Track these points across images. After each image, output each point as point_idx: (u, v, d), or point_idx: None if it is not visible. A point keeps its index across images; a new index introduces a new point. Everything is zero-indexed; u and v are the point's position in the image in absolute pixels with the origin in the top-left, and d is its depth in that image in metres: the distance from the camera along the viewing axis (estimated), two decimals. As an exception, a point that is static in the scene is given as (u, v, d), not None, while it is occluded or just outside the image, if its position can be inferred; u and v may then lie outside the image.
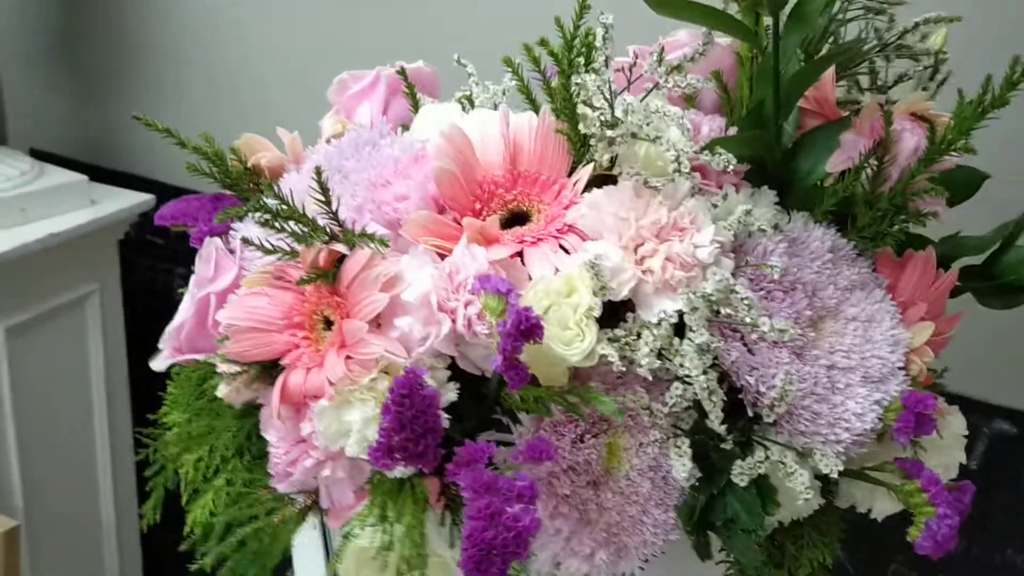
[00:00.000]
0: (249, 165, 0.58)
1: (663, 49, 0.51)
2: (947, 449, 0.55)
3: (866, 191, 0.52)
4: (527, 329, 0.42)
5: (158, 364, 0.54)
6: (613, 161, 0.50)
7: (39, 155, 1.31)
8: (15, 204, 1.13)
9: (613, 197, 0.48)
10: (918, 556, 0.94)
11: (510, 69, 0.53)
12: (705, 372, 0.43)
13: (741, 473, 0.46)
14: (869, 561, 1.14)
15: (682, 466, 0.46)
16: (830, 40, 0.57)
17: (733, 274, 0.47)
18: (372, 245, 0.45)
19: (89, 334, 1.29)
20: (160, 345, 0.54)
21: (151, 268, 1.45)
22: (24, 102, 1.47)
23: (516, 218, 0.51)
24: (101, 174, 1.28)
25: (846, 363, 0.50)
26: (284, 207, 0.46)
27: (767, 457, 0.46)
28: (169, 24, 1.32)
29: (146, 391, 1.45)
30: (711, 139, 0.50)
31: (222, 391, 0.50)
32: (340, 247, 0.46)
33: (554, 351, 0.44)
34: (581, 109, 0.49)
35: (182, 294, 0.55)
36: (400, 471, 0.43)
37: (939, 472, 0.54)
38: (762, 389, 0.46)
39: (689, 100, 0.55)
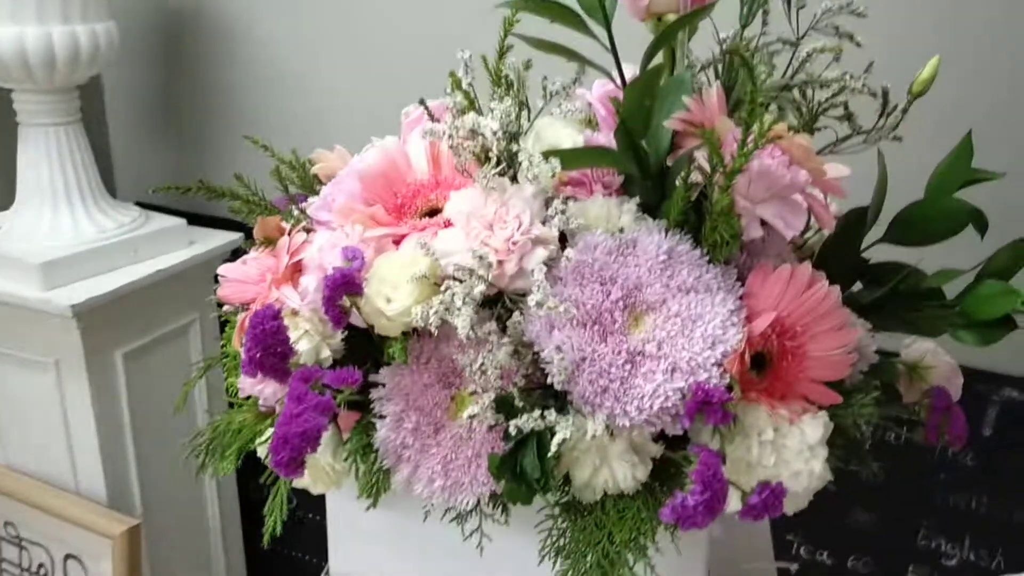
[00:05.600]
0: (313, 172, 0.77)
1: (544, 79, 0.60)
2: (800, 456, 0.56)
3: (707, 205, 0.56)
4: (343, 282, 0.55)
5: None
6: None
7: (143, 207, 1.50)
8: (129, 246, 1.34)
9: (466, 196, 0.58)
10: (945, 520, 0.99)
11: (456, 88, 0.65)
12: (473, 329, 0.52)
13: (516, 426, 0.53)
14: (900, 523, 1.30)
15: (475, 409, 0.54)
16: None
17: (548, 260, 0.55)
18: (289, 219, 0.61)
19: (192, 356, 1.50)
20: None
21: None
22: (127, 161, 1.75)
23: (437, 211, 0.64)
24: (195, 219, 1.49)
25: (653, 352, 0.54)
26: (250, 198, 0.64)
27: (542, 416, 0.53)
28: (246, 86, 1.56)
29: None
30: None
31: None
32: (270, 220, 0.62)
33: (375, 305, 0.56)
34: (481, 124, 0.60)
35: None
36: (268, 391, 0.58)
37: (789, 480, 0.56)
38: (549, 358, 0.54)
39: (590, 123, 0.63)
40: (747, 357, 0.55)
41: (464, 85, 0.60)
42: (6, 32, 1.21)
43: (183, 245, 1.44)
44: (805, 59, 0.58)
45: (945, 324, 0.63)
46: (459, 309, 0.52)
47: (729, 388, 0.54)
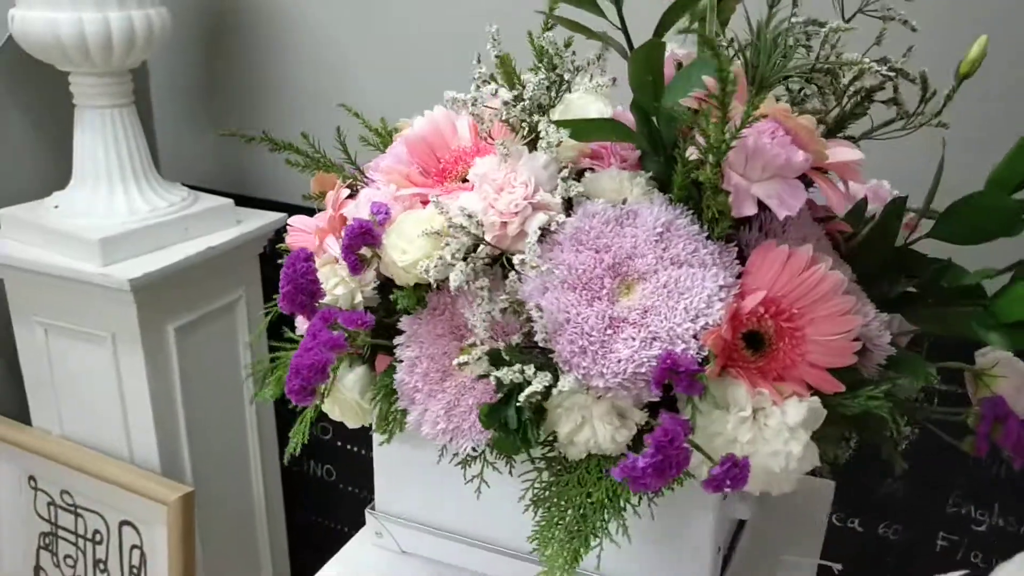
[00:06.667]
0: (393, 127, 1.07)
1: (573, 54, 0.87)
2: (779, 436, 0.79)
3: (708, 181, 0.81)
4: (361, 232, 0.84)
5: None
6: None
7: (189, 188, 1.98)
8: (180, 224, 1.81)
9: (486, 161, 0.86)
10: (975, 487, 1.54)
11: (502, 69, 0.94)
12: (468, 283, 0.80)
13: (497, 377, 0.80)
14: (930, 491, 1.65)
15: (467, 361, 0.82)
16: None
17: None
18: (340, 176, 0.92)
19: (239, 332, 2.01)
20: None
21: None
22: (171, 143, 2.21)
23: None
24: (240, 200, 1.94)
25: (636, 319, 0.80)
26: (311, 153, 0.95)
27: (521, 370, 0.80)
28: (289, 68, 1.99)
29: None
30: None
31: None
32: (328, 176, 0.93)
33: (390, 256, 0.85)
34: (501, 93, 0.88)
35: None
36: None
37: (768, 459, 0.80)
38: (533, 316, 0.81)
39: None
40: (729, 332, 0.79)
41: (492, 57, 0.88)
42: (66, 17, 1.64)
43: (231, 224, 1.91)
44: (825, 39, 0.82)
45: (975, 323, 0.85)
46: (450, 264, 0.81)
47: (706, 361, 0.79)
